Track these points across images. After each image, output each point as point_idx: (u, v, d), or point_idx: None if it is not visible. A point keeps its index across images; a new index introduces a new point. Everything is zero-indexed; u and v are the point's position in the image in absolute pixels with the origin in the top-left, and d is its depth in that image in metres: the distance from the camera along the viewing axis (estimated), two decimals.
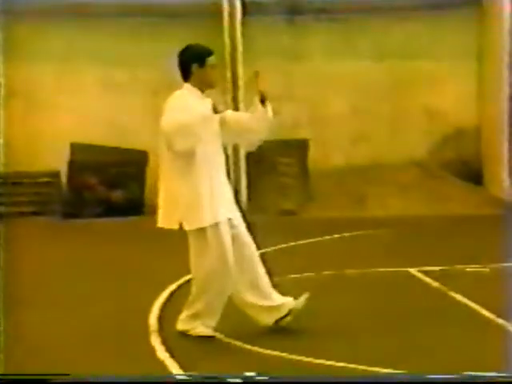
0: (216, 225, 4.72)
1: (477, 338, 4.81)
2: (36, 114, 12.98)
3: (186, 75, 4.85)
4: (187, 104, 4.69)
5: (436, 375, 3.85)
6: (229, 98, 12.51)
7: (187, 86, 4.83)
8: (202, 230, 4.73)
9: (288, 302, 4.97)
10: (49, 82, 12.98)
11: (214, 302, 4.84)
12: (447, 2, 12.96)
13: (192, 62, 4.81)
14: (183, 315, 4.95)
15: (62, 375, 3.66)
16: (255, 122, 4.93)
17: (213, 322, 4.87)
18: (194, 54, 4.84)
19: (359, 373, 4.08)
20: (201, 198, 4.71)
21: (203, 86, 4.83)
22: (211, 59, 4.84)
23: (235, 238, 4.84)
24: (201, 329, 4.85)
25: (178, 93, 4.83)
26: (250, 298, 4.92)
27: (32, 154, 12.72)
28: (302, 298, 4.96)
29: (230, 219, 4.82)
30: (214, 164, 4.81)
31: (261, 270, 4.95)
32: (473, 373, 3.81)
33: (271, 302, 4.94)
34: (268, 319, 4.95)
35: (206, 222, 4.72)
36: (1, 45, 12.26)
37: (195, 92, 4.81)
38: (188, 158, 4.70)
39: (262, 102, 4.87)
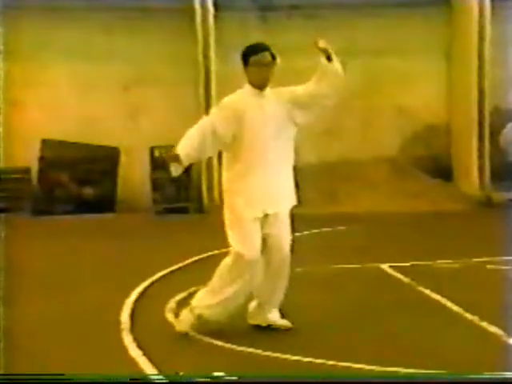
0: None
1: (445, 331, 4.88)
2: (6, 110, 12.83)
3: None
4: (226, 105, 4.74)
5: (435, 375, 3.90)
6: (201, 92, 12.52)
7: (246, 84, 4.82)
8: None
9: (277, 321, 4.95)
10: (19, 78, 12.85)
11: (214, 298, 4.75)
12: (418, 1, 13.07)
13: (243, 61, 4.81)
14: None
15: (57, 375, 3.63)
16: (325, 82, 4.82)
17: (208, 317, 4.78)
18: (242, 54, 4.82)
19: (329, 368, 4.11)
20: (226, 191, 4.77)
21: (253, 84, 4.79)
22: (254, 58, 4.75)
23: (266, 239, 4.75)
24: (183, 326, 4.83)
25: (238, 91, 4.86)
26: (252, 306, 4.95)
27: (2, 151, 12.59)
28: (286, 323, 4.94)
29: (268, 215, 4.71)
30: (258, 161, 4.68)
31: (281, 281, 4.84)
32: (472, 373, 3.87)
33: (263, 321, 4.94)
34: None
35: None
36: None
37: (251, 89, 4.78)
38: (229, 154, 4.76)
39: (328, 59, 4.82)
